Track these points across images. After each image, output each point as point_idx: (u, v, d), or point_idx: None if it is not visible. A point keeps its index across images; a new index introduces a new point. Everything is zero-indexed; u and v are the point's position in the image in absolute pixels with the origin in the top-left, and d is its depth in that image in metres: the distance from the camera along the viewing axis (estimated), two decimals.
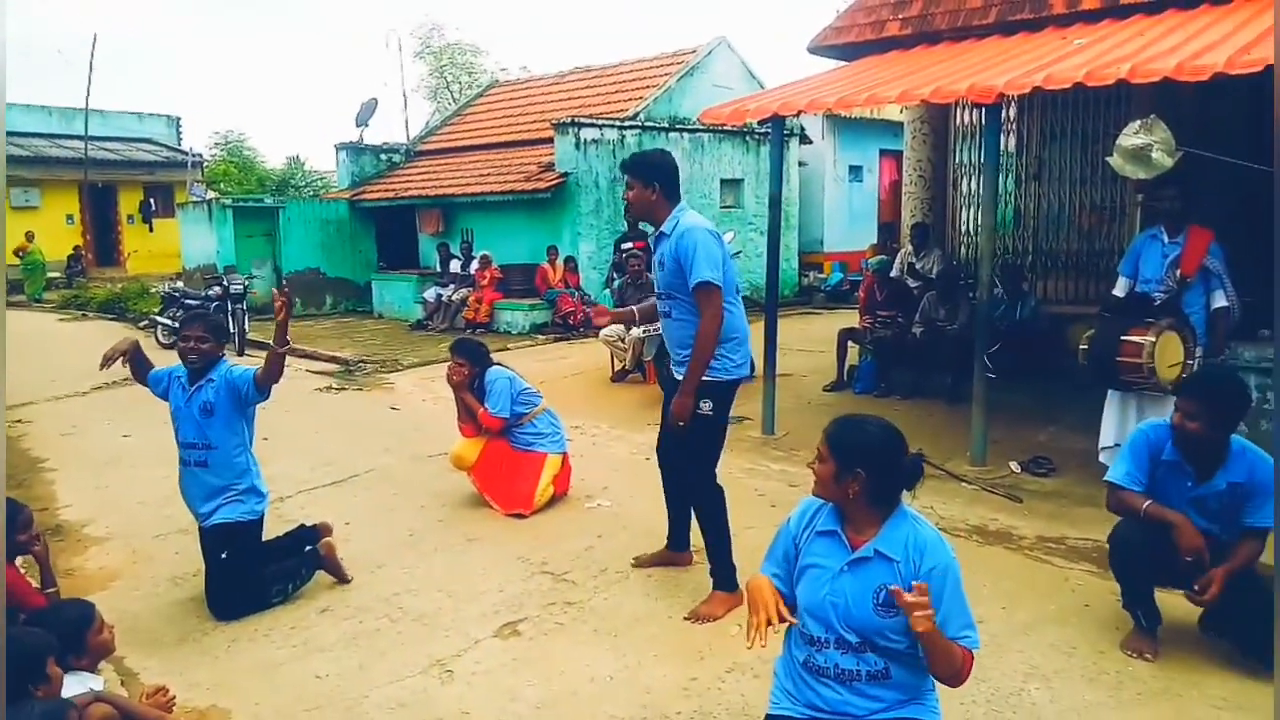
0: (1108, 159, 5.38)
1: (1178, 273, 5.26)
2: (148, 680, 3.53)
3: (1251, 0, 5.98)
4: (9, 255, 20.54)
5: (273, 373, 4.15)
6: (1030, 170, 8.68)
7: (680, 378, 4.03)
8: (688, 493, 4.32)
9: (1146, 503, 3.49)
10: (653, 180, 4.00)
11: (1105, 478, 3.71)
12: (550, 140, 13.94)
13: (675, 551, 4.58)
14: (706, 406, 3.97)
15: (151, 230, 25.31)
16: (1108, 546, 3.74)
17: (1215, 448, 3.44)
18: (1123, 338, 5.08)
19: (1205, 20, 5.86)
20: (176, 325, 10.54)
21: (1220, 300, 5.27)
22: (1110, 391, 5.40)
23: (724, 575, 4.08)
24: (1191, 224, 5.30)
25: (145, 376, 4.37)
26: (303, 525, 4.70)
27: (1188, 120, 5.90)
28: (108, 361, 4.18)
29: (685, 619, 3.99)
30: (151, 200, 25.49)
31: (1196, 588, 3.44)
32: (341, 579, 4.49)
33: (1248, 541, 3.44)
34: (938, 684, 2.50)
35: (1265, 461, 3.40)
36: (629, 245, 10.64)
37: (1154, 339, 4.96)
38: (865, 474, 2.38)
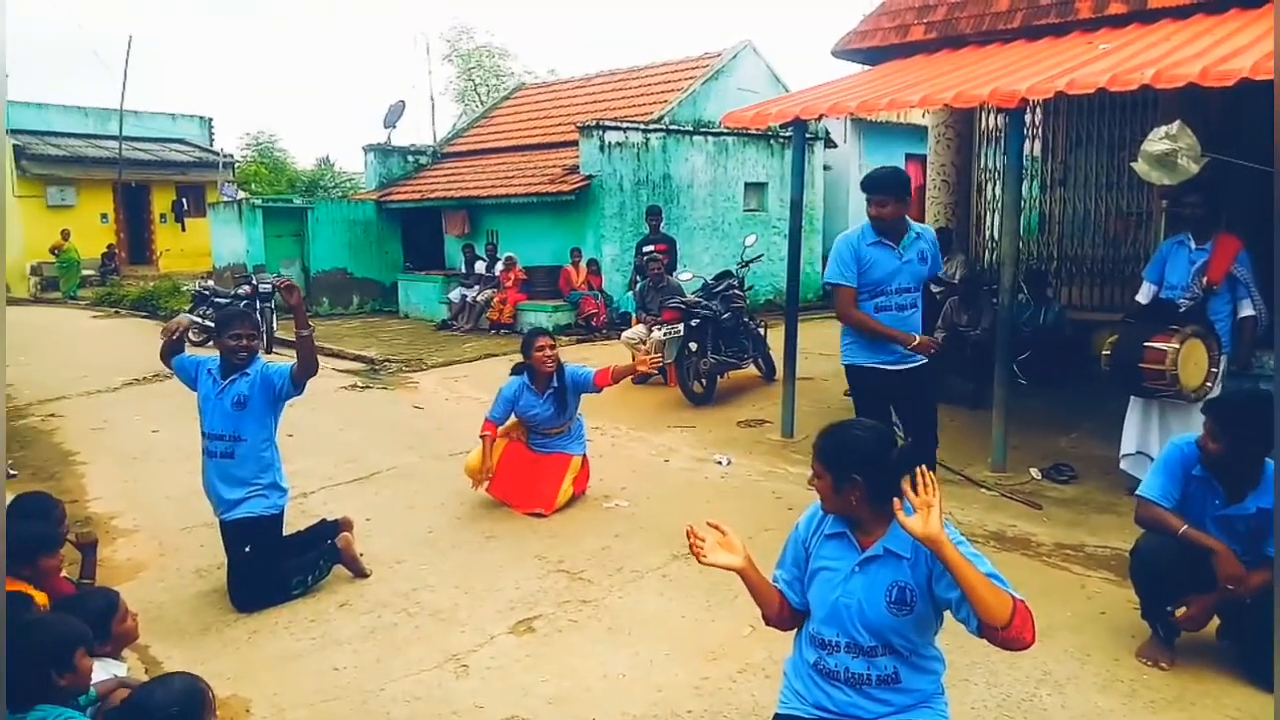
0: (1132, 164, 5.34)
1: (1204, 280, 5.19)
2: (171, 669, 3.61)
3: None
4: (45, 253, 20.94)
5: (307, 363, 4.24)
6: (1056, 175, 8.62)
7: (907, 366, 4.82)
8: (932, 443, 4.97)
9: (1184, 527, 3.42)
10: (905, 196, 4.69)
11: (1137, 491, 3.66)
12: (575, 143, 13.99)
13: None
14: None
15: (183, 229, 25.64)
16: (1130, 559, 3.71)
17: (1245, 469, 3.39)
18: (1146, 344, 5.02)
19: (1234, 25, 5.80)
20: (208, 324, 10.75)
21: (1247, 309, 5.20)
22: (1132, 398, 5.36)
23: None
24: (1220, 231, 5.24)
25: (172, 359, 4.45)
26: (323, 520, 4.78)
27: (1215, 126, 5.85)
28: (170, 334, 4.40)
29: None
30: (184, 200, 25.83)
31: (1176, 612, 3.48)
32: (359, 573, 4.56)
33: (1264, 569, 3.38)
34: (947, 689, 2.52)
35: None
36: (650, 248, 10.67)
37: (1178, 346, 4.91)
38: (862, 479, 2.38)
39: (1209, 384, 5.00)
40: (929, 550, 2.24)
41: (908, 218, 4.79)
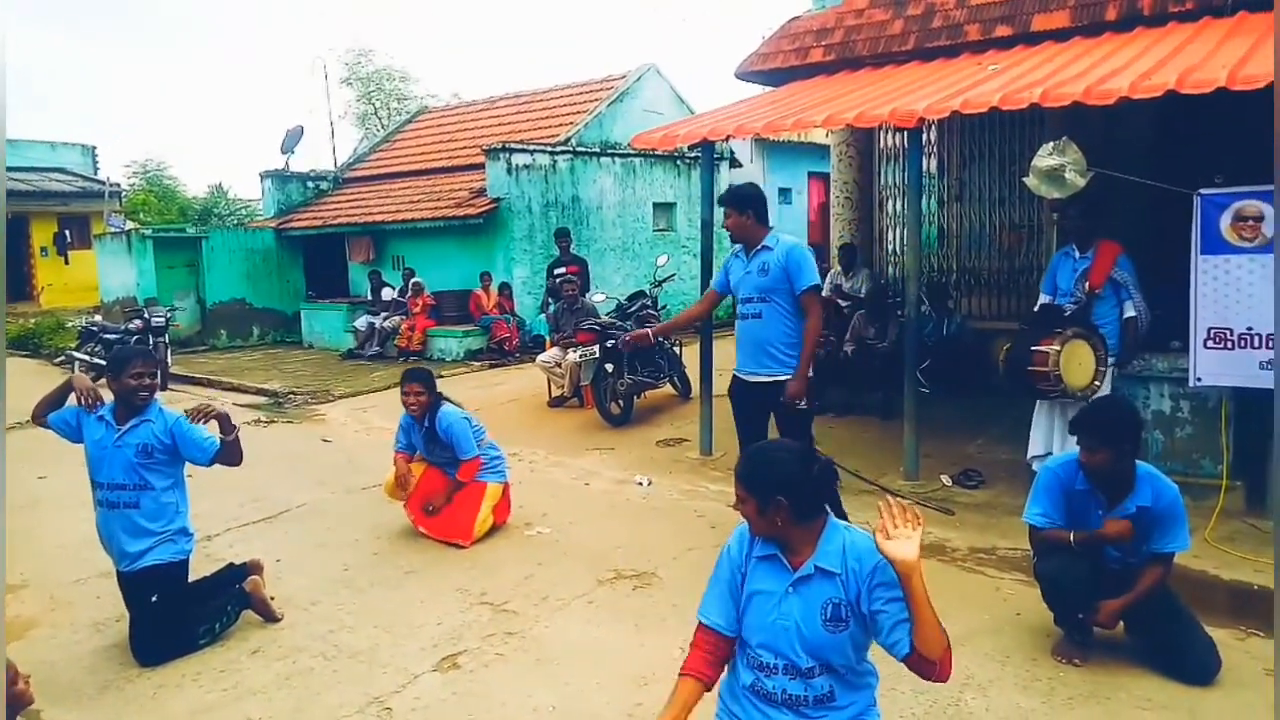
0: (1024, 179, 5.58)
1: (1086, 285, 5.49)
2: None
3: (1150, 29, 6.30)
4: None
5: (230, 458, 4.14)
6: (952, 191, 8.95)
7: (760, 379, 4.76)
8: None
9: (1073, 534, 3.64)
10: (747, 209, 4.75)
11: (1024, 518, 3.85)
12: (482, 166, 13.90)
13: None
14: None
15: (67, 263, 24.38)
16: (1038, 583, 3.86)
17: (1122, 474, 3.61)
18: (1032, 348, 5.27)
19: (1109, 47, 6.14)
20: (98, 361, 10.20)
21: (1130, 311, 5.51)
22: (1039, 402, 5.58)
23: None
24: (1100, 239, 5.54)
25: (48, 414, 4.21)
26: (230, 564, 4.56)
27: (1096, 142, 6.14)
28: (91, 400, 4.13)
29: None
30: (66, 232, 24.58)
31: (1097, 617, 3.64)
32: (270, 618, 4.36)
33: (1152, 567, 3.61)
34: (879, 700, 2.54)
35: (1169, 487, 3.59)
36: (562, 270, 10.64)
37: (1059, 348, 5.17)
38: (785, 500, 2.39)
39: (1097, 382, 5.24)
40: (881, 569, 2.35)
41: (774, 232, 4.85)
